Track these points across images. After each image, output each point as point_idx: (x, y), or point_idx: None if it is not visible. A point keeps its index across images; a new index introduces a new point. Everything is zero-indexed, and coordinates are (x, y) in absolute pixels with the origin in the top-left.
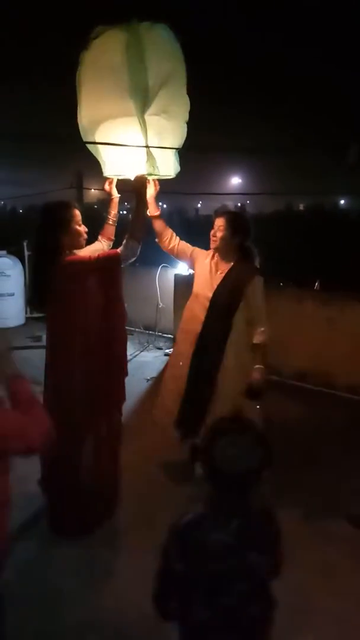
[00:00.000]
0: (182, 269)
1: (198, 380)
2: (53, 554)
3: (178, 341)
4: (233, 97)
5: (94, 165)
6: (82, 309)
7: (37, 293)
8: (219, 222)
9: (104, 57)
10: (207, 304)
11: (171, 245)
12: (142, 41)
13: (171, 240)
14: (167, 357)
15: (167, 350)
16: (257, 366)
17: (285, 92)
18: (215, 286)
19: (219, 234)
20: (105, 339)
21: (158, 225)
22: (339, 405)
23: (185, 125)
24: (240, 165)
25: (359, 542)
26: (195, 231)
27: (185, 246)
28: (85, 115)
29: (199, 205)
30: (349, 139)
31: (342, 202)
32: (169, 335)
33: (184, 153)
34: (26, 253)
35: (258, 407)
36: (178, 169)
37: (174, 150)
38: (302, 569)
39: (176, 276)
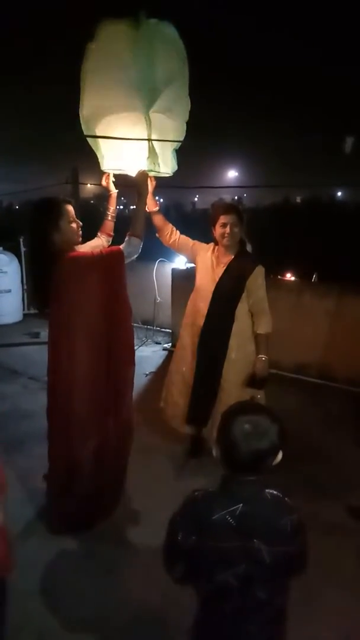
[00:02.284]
0: (179, 263)
1: (204, 372)
2: (55, 550)
3: (182, 335)
4: (227, 94)
5: (90, 161)
6: (85, 306)
7: (39, 294)
8: (231, 219)
9: (111, 51)
10: (210, 296)
11: (172, 240)
12: (151, 38)
13: (172, 234)
14: (165, 352)
15: (165, 345)
16: (260, 356)
17: (282, 85)
18: (217, 279)
19: (236, 230)
20: (111, 336)
21: (158, 220)
22: (337, 397)
23: (185, 125)
24: (237, 158)
25: (358, 534)
26: (192, 225)
27: (186, 240)
28: (87, 107)
29: (196, 199)
30: (345, 131)
31: (339, 194)
32: (167, 330)
33: (183, 147)
34: (22, 249)
35: (259, 396)
36: (175, 167)
37: (173, 148)
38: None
39: (173, 270)
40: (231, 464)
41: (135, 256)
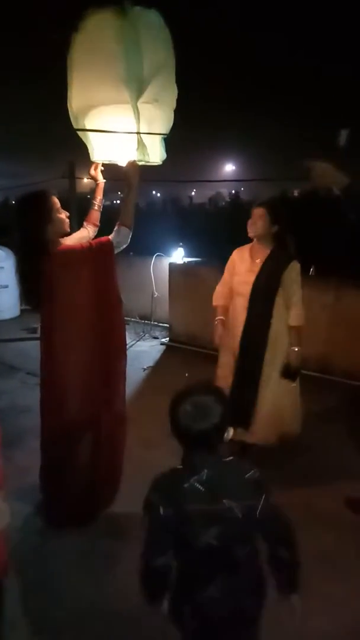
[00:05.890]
0: (176, 257)
1: (245, 372)
2: (53, 544)
3: (224, 340)
4: (222, 86)
5: (86, 155)
6: (77, 299)
7: (31, 287)
8: (259, 212)
9: (97, 42)
10: (248, 293)
11: (229, 297)
12: (138, 28)
13: (230, 292)
14: (163, 347)
15: (163, 340)
16: (293, 347)
17: (278, 78)
18: (253, 275)
19: (259, 223)
20: (102, 328)
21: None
22: (335, 391)
23: (173, 114)
24: (234, 151)
25: (357, 527)
26: (189, 219)
27: (228, 279)
28: (76, 100)
29: (193, 193)
30: (340, 124)
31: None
32: (165, 324)
33: (179, 141)
34: None
35: (294, 385)
36: (164, 156)
37: (161, 137)
38: (300, 552)
39: (171, 265)
40: (181, 441)
41: (125, 246)
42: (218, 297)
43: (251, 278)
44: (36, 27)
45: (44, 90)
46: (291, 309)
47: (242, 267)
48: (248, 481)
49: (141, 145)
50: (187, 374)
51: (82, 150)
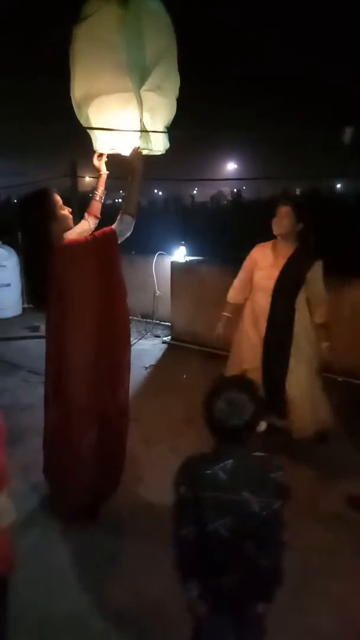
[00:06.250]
0: (178, 256)
1: (272, 365)
2: (56, 541)
3: (245, 333)
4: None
5: (88, 154)
6: (84, 291)
7: (37, 286)
8: (283, 210)
9: (99, 32)
10: (270, 289)
11: (248, 289)
12: (139, 16)
13: (245, 290)
14: (165, 345)
15: (165, 338)
16: (324, 343)
17: (280, 76)
18: (277, 272)
19: (285, 221)
20: (109, 318)
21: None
22: (336, 389)
23: (175, 102)
24: (236, 150)
25: (358, 524)
26: (191, 218)
27: (246, 273)
28: (78, 89)
29: (195, 192)
30: (345, 122)
31: (338, 186)
32: (167, 323)
33: (181, 140)
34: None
35: (318, 378)
36: (167, 145)
37: (165, 126)
38: (301, 551)
39: (173, 263)
40: (214, 435)
41: (128, 234)
42: (234, 294)
43: (275, 273)
44: (38, 24)
45: (45, 89)
46: (317, 307)
47: (265, 262)
48: (272, 480)
49: (145, 133)
50: (184, 376)
51: (84, 148)
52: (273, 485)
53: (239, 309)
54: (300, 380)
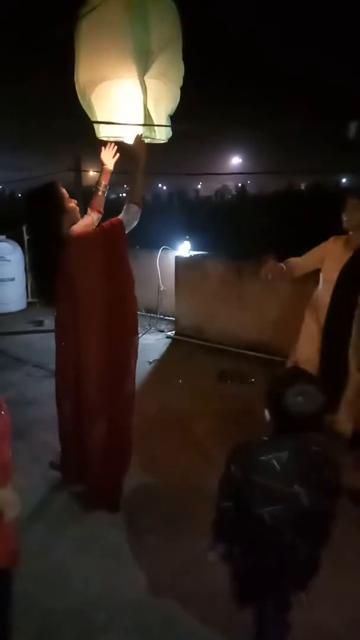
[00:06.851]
0: (182, 250)
1: (331, 358)
2: (60, 535)
3: (307, 325)
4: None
5: (92, 147)
6: (94, 283)
7: (46, 282)
8: (351, 202)
9: (105, 17)
10: (334, 280)
11: (301, 271)
12: (145, 2)
13: (300, 267)
14: (169, 340)
15: (169, 333)
16: None
17: (285, 71)
18: (343, 263)
19: (355, 214)
20: (118, 308)
21: (293, 270)
22: None
23: (179, 91)
24: (241, 145)
25: (358, 518)
26: (195, 212)
27: (312, 256)
28: (82, 75)
29: (199, 186)
30: (349, 117)
31: (343, 180)
32: (171, 318)
33: (186, 134)
34: (25, 237)
35: None
36: (170, 134)
37: (167, 114)
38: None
39: (177, 258)
40: (280, 425)
41: (135, 223)
42: (293, 260)
43: (340, 266)
44: (41, 17)
45: (49, 84)
46: None
47: (335, 254)
48: (328, 479)
49: (148, 120)
50: (180, 381)
51: (88, 142)
52: (329, 484)
53: (283, 273)
54: (356, 378)
